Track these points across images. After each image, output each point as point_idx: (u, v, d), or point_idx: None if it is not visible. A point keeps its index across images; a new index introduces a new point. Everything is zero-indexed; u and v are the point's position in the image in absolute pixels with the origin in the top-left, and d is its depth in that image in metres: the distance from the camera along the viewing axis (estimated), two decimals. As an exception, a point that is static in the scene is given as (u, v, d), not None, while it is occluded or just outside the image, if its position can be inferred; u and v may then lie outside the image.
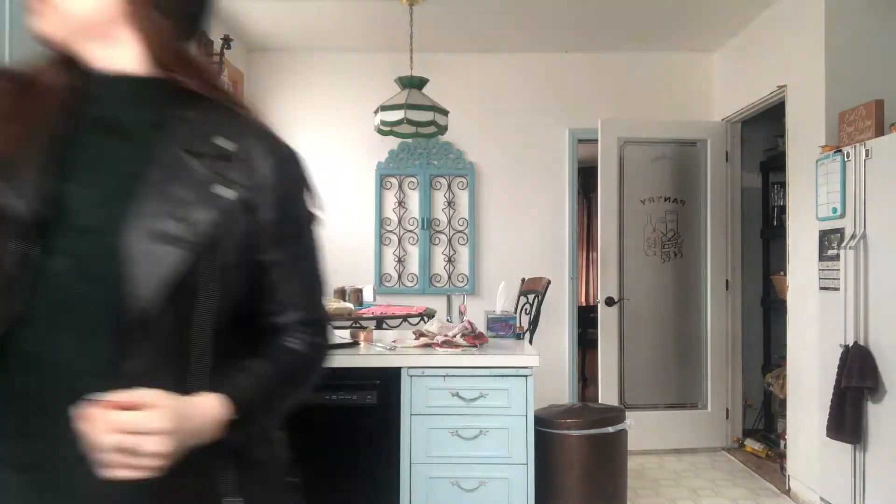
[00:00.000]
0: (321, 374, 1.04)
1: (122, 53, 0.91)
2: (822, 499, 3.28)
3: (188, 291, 0.86)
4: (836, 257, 3.14)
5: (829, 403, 3.05)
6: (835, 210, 3.15)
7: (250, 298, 0.95)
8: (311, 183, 1.01)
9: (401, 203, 5.19)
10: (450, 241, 5.18)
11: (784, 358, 4.11)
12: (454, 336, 2.60)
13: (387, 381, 2.42)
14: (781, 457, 4.12)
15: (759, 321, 4.97)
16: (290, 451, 1.06)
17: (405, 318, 4.03)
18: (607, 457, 3.01)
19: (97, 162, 0.89)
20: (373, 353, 2.48)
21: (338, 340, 2.63)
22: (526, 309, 4.05)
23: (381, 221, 5.18)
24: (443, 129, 4.09)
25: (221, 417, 0.86)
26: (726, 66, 4.95)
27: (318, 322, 1.02)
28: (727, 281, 4.79)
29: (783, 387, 4.16)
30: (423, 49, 4.54)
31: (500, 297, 3.10)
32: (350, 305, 4.04)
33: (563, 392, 5.12)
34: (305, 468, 2.41)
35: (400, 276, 5.18)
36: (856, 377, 2.90)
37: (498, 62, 5.19)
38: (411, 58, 4.26)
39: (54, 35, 0.89)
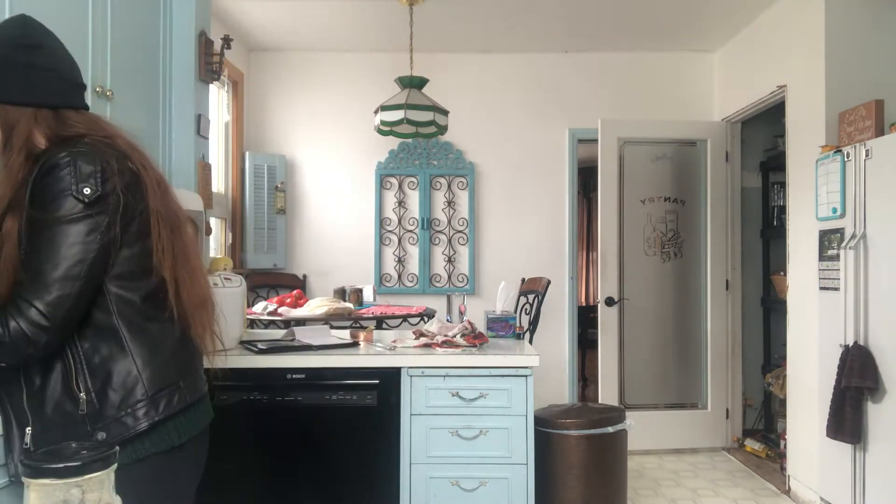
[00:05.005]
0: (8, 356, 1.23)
1: None
2: (822, 499, 3.28)
3: None
4: (836, 257, 3.14)
5: (829, 403, 3.06)
6: (835, 210, 3.15)
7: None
8: (63, 189, 1.25)
9: (401, 203, 5.19)
10: (450, 241, 5.18)
11: (784, 358, 4.11)
12: (454, 336, 2.60)
13: (387, 381, 2.41)
14: (781, 457, 4.13)
15: (759, 321, 4.97)
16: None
17: (405, 318, 4.04)
18: (607, 457, 3.02)
19: None
20: (373, 353, 2.48)
21: (337, 341, 2.63)
22: (526, 309, 4.06)
23: (381, 221, 5.18)
24: (443, 129, 4.09)
25: None
26: (726, 66, 4.95)
27: (21, 308, 1.21)
28: (727, 281, 4.79)
29: (783, 387, 4.16)
30: (423, 49, 4.55)
31: (500, 297, 3.10)
32: (350, 305, 4.04)
33: (563, 392, 5.13)
34: (306, 468, 2.41)
35: (400, 276, 5.18)
36: (856, 377, 2.90)
37: (498, 62, 5.19)
38: (411, 58, 4.26)
39: None
